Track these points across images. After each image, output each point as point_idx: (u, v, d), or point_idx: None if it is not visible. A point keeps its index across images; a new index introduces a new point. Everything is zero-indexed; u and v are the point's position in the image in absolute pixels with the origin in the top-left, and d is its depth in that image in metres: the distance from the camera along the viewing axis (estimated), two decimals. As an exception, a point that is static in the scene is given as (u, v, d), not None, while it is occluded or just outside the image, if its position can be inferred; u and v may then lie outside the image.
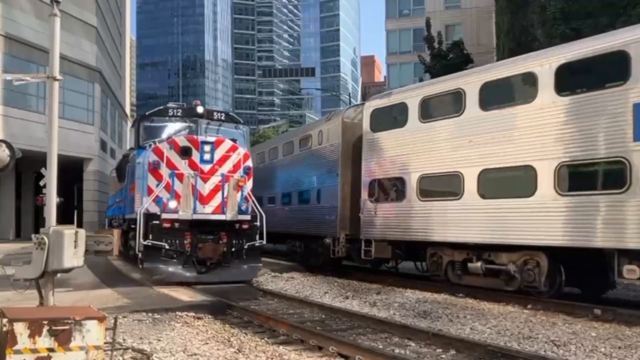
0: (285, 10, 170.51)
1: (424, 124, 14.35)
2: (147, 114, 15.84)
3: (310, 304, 11.48)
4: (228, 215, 14.00)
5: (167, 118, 15.37)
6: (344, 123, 17.54)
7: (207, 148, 13.90)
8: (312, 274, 17.49)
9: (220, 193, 14.02)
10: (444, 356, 7.49)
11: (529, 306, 11.39)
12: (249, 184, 14.73)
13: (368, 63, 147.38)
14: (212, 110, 15.89)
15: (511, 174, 12.27)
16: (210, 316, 9.95)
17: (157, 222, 13.40)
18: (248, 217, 14.32)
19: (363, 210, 16.07)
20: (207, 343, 7.93)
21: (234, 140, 14.98)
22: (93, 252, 8.19)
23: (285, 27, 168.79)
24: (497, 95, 12.73)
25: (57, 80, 8.25)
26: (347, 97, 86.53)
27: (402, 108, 15.06)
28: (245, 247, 14.18)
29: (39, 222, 36.79)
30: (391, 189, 15.32)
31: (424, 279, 15.27)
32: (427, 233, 13.98)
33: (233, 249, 14.11)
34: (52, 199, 8.25)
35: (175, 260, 13.55)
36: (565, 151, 11.05)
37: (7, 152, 8.45)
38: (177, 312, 10.09)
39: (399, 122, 15.11)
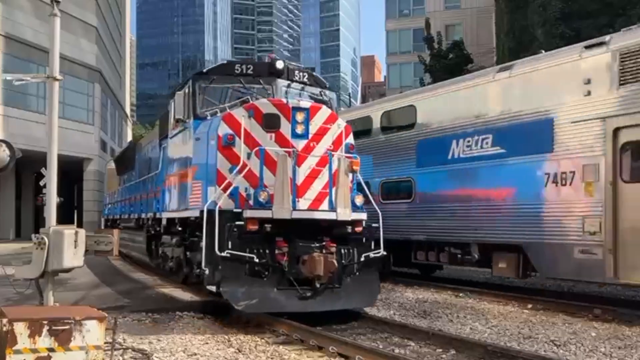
0: (285, 10, 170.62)
1: None
2: (205, 70, 11.45)
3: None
4: (340, 213, 9.61)
5: (232, 77, 11.05)
6: None
7: (299, 117, 9.73)
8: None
9: (318, 180, 9.79)
10: (444, 356, 7.49)
11: (529, 306, 11.40)
12: None
13: (368, 63, 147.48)
14: (292, 68, 11.38)
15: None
16: (210, 316, 9.95)
17: (241, 222, 9.04)
18: (365, 216, 10.21)
19: None
20: (207, 343, 7.94)
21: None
22: (93, 252, 8.20)
23: (285, 27, 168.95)
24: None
25: (57, 80, 8.26)
26: (347, 97, 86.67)
27: None
28: (361, 259, 9.87)
29: (39, 222, 36.84)
30: None
31: (425, 279, 15.41)
32: None
33: (344, 262, 9.71)
34: (52, 199, 8.26)
35: (265, 279, 9.09)
36: (385, 172, 15.46)
37: (7, 152, 8.47)
38: (177, 312, 10.09)
39: None
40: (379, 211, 10.30)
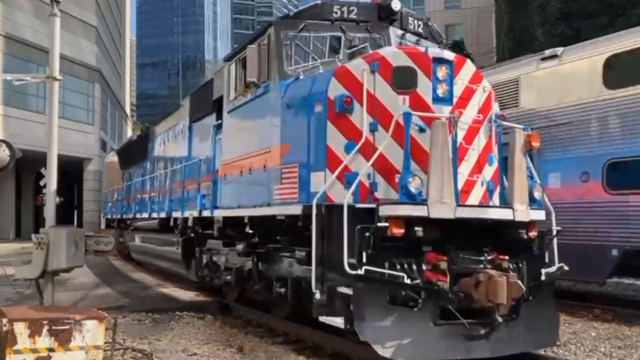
0: (285, 10, 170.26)
1: None
2: (292, 14, 8.59)
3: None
4: (518, 211, 6.77)
5: (328, 23, 8.24)
6: None
7: (441, 73, 6.90)
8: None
9: (465, 163, 6.94)
10: (444, 356, 7.48)
11: (529, 306, 11.39)
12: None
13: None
14: (407, 13, 8.66)
15: None
16: (210, 316, 9.95)
17: (385, 225, 6.10)
18: (543, 216, 7.25)
19: None
20: (207, 343, 7.94)
21: None
22: (93, 252, 8.22)
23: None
24: None
25: (57, 80, 8.27)
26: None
27: None
28: (542, 277, 6.99)
29: (39, 222, 36.86)
30: None
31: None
32: None
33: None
34: (52, 199, 8.27)
35: (416, 309, 6.21)
36: None
37: (7, 152, 8.47)
38: (177, 312, 10.09)
39: None
40: (551, 210, 7.42)
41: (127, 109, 70.27)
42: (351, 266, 5.98)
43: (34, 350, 5.47)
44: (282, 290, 7.79)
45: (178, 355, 7.25)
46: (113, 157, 25.14)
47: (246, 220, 8.56)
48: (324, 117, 6.91)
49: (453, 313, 6.18)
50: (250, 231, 8.58)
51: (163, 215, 13.58)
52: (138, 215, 17.06)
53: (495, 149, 7.37)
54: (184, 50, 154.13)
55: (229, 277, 9.64)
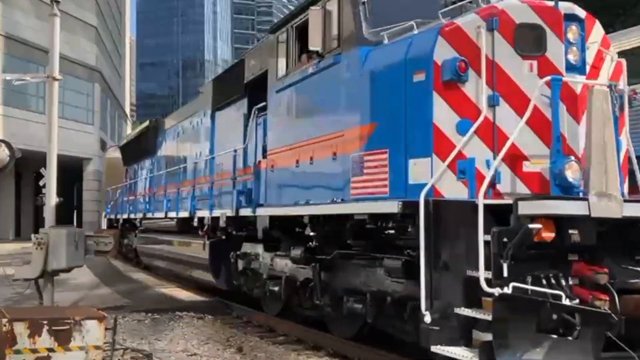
0: (285, 10, 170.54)
1: None
2: None
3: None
4: None
5: None
6: None
7: (572, 34, 5.59)
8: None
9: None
10: (444, 356, 7.46)
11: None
12: None
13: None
14: None
15: None
16: (210, 316, 9.95)
17: (537, 226, 4.62)
18: None
19: None
20: (207, 343, 7.94)
21: None
22: (93, 252, 8.23)
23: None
24: None
25: (57, 80, 8.28)
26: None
27: None
28: None
29: (39, 222, 36.87)
30: None
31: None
32: None
33: None
34: (51, 199, 8.28)
35: (571, 337, 4.59)
36: None
37: (7, 152, 8.48)
38: (177, 312, 10.10)
39: None
40: None
41: (127, 109, 70.30)
42: (490, 282, 4.69)
43: (34, 350, 5.47)
44: (359, 306, 6.44)
45: (178, 355, 7.25)
46: (115, 153, 23.38)
47: (306, 221, 7.26)
48: (429, 88, 5.49)
49: (614, 342, 4.73)
50: (312, 232, 7.34)
51: (184, 214, 11.99)
52: (149, 215, 15.43)
53: (625, 130, 6.01)
54: (184, 50, 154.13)
55: (276, 288, 8.29)
